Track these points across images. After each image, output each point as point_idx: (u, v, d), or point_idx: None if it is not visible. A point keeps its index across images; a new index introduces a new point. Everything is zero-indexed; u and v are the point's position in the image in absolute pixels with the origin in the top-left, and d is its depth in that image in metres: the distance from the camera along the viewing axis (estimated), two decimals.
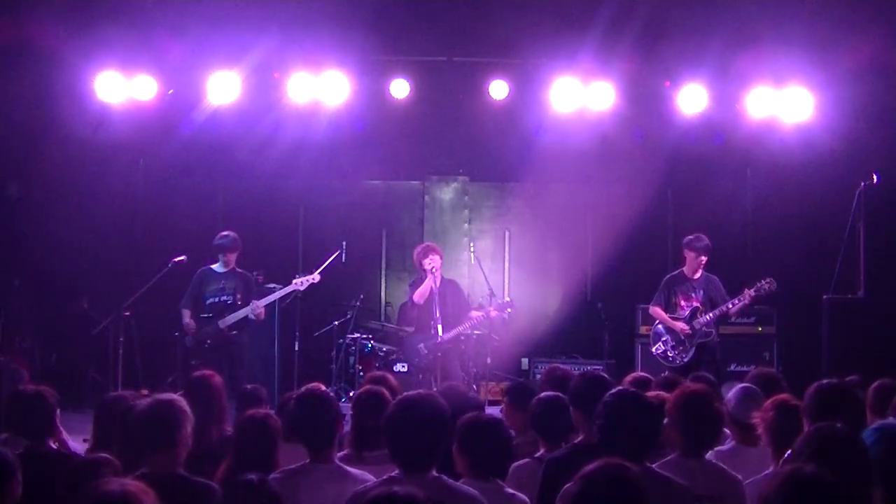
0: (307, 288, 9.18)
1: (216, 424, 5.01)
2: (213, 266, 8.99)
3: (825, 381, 4.43)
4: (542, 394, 5.02)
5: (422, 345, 9.23)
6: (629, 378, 5.58)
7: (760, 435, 4.40)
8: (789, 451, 3.90)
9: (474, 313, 9.42)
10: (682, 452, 4.21)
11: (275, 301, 9.32)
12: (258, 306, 8.75)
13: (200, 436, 4.83)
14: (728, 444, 4.79)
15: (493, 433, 4.06)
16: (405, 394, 4.04)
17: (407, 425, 3.71)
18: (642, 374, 6.18)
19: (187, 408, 4.05)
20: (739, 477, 4.21)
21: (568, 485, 3.71)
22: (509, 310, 9.53)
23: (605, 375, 4.92)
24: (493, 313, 9.39)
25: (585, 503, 3.01)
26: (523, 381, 7.47)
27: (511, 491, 4.02)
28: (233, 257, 8.92)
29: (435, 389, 8.57)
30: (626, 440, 3.78)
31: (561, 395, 4.90)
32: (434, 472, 3.72)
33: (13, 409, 4.89)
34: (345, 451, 4.55)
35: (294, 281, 9.12)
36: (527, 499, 4.03)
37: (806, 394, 4.35)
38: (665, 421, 4.21)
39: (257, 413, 4.48)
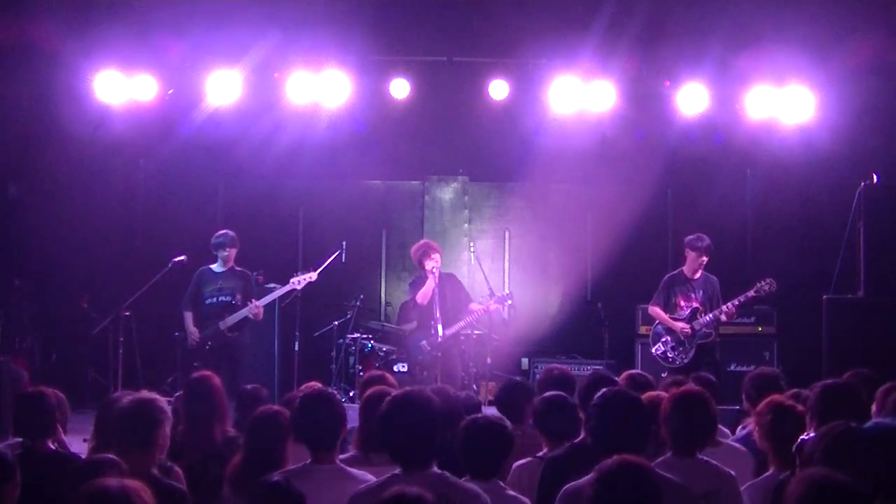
0: (305, 287, 9.18)
1: (220, 425, 5.00)
2: (212, 266, 8.96)
3: (830, 380, 4.42)
4: (547, 392, 5.02)
5: (425, 342, 9.18)
6: (623, 377, 5.53)
7: (756, 438, 4.39)
8: (800, 440, 3.89)
9: (474, 306, 9.34)
10: (676, 451, 4.21)
11: (274, 301, 9.32)
12: (256, 306, 8.74)
13: (206, 437, 4.85)
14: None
15: (493, 434, 4.05)
16: (396, 391, 4.04)
17: (400, 422, 3.72)
18: (638, 372, 6.13)
19: (168, 408, 4.03)
20: (733, 472, 4.22)
21: (569, 484, 3.72)
22: (509, 301, 9.49)
23: (614, 376, 4.87)
24: (493, 306, 9.32)
25: (605, 501, 3.00)
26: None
27: (513, 493, 4.01)
28: (231, 255, 8.89)
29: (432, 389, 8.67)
30: (616, 440, 3.76)
31: (565, 394, 4.89)
32: (436, 469, 3.72)
33: (13, 410, 4.90)
34: (351, 453, 4.54)
35: (292, 280, 9.10)
36: (528, 501, 4.03)
37: (811, 394, 4.34)
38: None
39: (269, 409, 4.47)
